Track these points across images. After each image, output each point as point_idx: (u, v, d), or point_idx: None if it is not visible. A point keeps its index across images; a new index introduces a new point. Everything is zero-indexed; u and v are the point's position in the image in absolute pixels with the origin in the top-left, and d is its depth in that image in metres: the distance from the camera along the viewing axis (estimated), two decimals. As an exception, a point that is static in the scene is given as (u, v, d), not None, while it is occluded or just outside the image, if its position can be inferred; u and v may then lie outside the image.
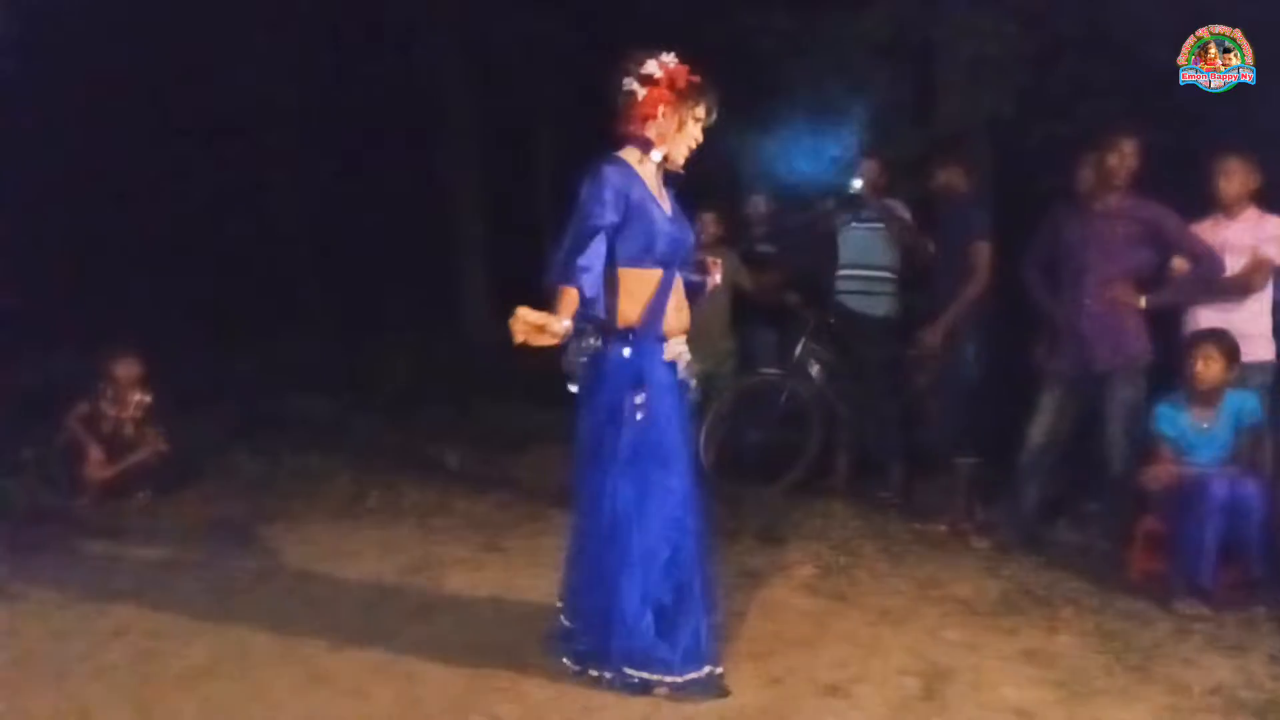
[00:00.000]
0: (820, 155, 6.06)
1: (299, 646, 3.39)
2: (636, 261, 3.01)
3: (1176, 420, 4.22)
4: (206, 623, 3.62)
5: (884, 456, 5.63)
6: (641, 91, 3.01)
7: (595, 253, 2.92)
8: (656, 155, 3.04)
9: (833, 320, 5.68)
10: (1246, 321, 4.35)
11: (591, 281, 2.92)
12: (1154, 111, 5.16)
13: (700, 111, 3.05)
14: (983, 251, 5.03)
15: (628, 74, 3.03)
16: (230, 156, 9.72)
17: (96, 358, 5.59)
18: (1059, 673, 3.30)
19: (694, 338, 5.52)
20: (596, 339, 3.03)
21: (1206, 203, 4.50)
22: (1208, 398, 4.16)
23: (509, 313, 2.83)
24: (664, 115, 3.01)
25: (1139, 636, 3.64)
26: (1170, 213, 4.43)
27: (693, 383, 3.23)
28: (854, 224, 5.56)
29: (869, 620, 3.74)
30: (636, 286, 3.03)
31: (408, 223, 10.10)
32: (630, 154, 3.05)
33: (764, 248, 6.10)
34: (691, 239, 3.17)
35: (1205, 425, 4.18)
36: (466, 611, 3.77)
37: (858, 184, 5.46)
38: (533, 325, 2.82)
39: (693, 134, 3.06)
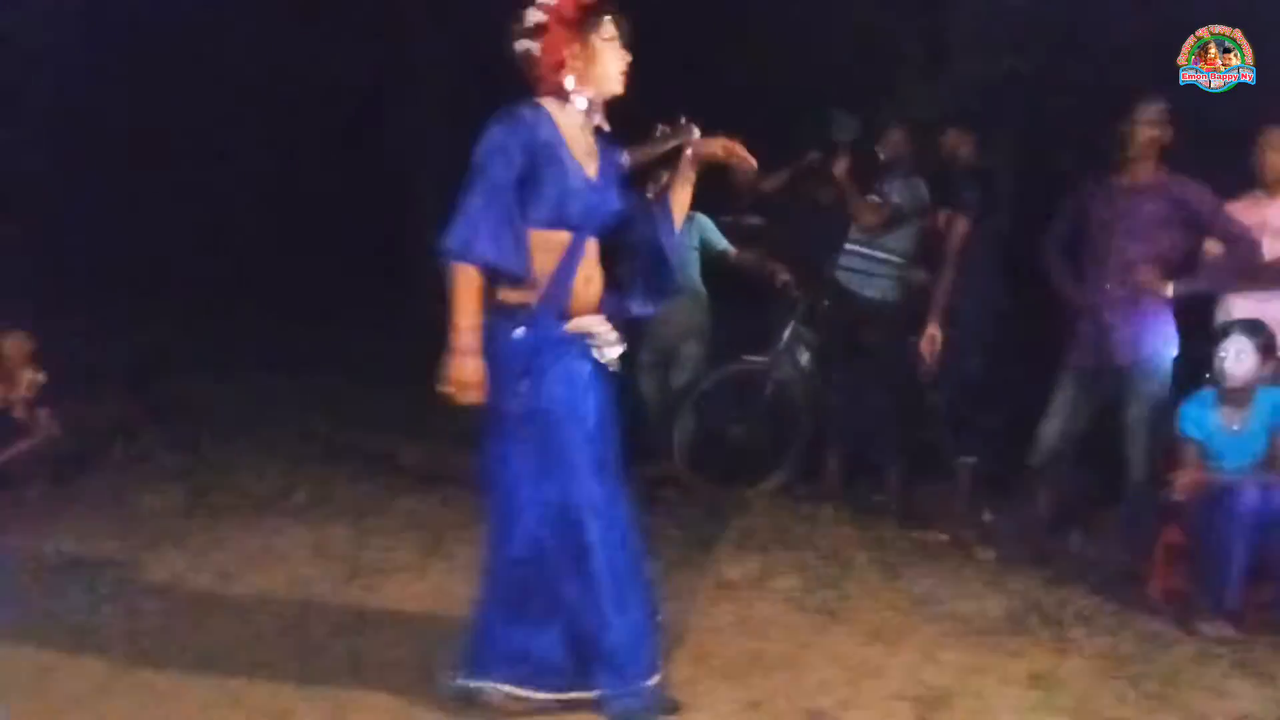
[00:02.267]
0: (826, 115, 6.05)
1: (215, 662, 3.36)
2: (542, 222, 2.92)
3: (1204, 421, 4.24)
4: (109, 634, 3.57)
5: (880, 456, 5.64)
6: (536, 45, 2.94)
7: (504, 215, 2.86)
8: (581, 102, 2.96)
9: (826, 301, 5.68)
10: (1284, 311, 4.39)
11: (507, 250, 2.86)
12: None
13: (606, 30, 2.95)
14: (958, 227, 5.09)
15: (516, 36, 2.96)
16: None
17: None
18: (1068, 699, 3.31)
19: (658, 311, 5.43)
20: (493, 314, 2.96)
21: (1246, 179, 4.53)
22: (1239, 396, 4.19)
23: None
24: (571, 56, 2.93)
25: (1158, 660, 3.66)
26: (1204, 190, 4.46)
27: (610, 365, 3.10)
28: (870, 198, 5.50)
29: (859, 639, 3.74)
30: (541, 251, 2.93)
31: (364, 209, 10.14)
32: (551, 103, 2.97)
33: (751, 219, 6.08)
34: (617, 205, 3.06)
35: (1236, 427, 4.21)
36: (404, 624, 3.74)
37: (882, 155, 5.48)
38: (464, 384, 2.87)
39: (610, 59, 2.96)
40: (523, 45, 2.95)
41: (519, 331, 2.91)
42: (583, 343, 3.00)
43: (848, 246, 5.58)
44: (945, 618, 3.99)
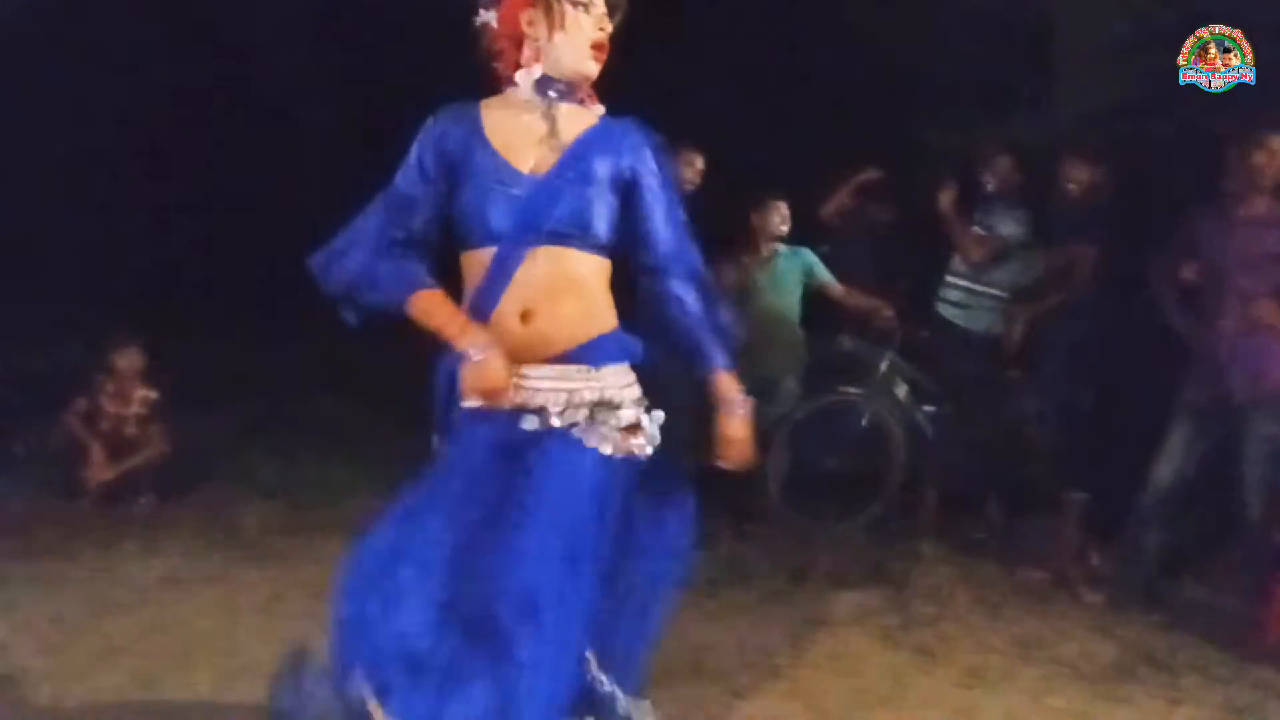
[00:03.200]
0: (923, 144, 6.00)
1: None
2: (465, 239, 2.35)
3: (1328, 464, 4.10)
4: (212, 645, 3.65)
5: (979, 491, 5.55)
6: (491, 14, 2.39)
7: (385, 243, 2.35)
8: (536, 72, 2.35)
9: (926, 334, 5.60)
10: None
11: (359, 263, 2.35)
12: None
13: None
14: (1086, 255, 4.98)
15: (476, 10, 2.41)
16: (259, 142, 9.79)
17: (98, 350, 5.69)
18: (1181, 751, 3.22)
19: (755, 344, 5.38)
20: None
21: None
22: (1366, 439, 4.03)
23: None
24: (530, 23, 2.34)
25: (1275, 714, 3.52)
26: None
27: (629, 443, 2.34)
28: (975, 230, 5.44)
29: (959, 681, 3.68)
30: (466, 275, 2.37)
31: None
32: (495, 98, 2.42)
33: (821, 248, 5.98)
34: (571, 208, 2.31)
35: (1362, 471, 4.05)
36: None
37: (989, 184, 5.40)
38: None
39: (583, 29, 2.34)
40: (481, 18, 2.41)
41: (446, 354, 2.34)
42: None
43: (949, 279, 5.53)
44: (1049, 661, 3.89)
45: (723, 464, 2.47)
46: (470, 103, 2.39)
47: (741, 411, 2.45)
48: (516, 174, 2.29)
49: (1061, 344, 5.08)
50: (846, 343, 5.89)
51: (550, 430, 2.26)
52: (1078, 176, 5.10)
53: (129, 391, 5.62)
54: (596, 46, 2.35)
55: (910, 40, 6.87)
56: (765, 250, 5.67)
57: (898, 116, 6.91)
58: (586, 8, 2.34)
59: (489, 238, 2.29)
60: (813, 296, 5.71)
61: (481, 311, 2.28)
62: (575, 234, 2.30)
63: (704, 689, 3.42)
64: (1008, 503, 5.48)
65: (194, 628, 3.81)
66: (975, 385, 5.48)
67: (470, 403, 2.24)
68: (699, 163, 5.19)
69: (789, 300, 5.67)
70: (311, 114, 10.64)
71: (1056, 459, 5.15)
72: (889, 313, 5.62)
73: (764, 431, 5.60)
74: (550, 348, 2.29)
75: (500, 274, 2.27)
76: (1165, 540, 4.59)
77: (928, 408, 5.68)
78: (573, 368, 2.29)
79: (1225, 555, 4.70)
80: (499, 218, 2.27)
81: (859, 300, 5.67)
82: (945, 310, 5.53)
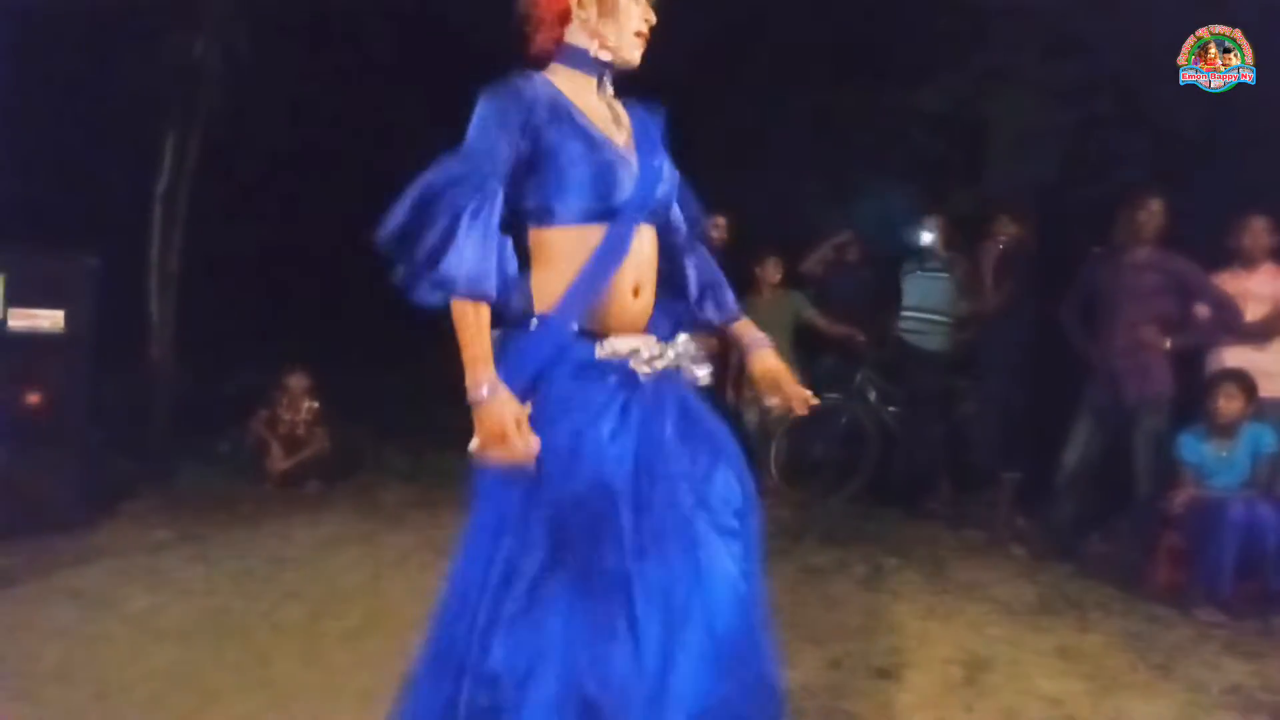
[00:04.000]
0: (883, 210, 6.00)
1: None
2: (558, 216, 1.68)
3: (1198, 449, 4.05)
4: (362, 590, 3.71)
5: (932, 472, 5.50)
6: None
7: (491, 228, 1.62)
8: (585, 59, 1.76)
9: (890, 353, 5.60)
10: (1269, 361, 4.17)
11: (493, 276, 1.62)
12: (1177, 176, 4.99)
13: None
14: (1013, 291, 4.99)
15: None
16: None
17: (276, 372, 5.83)
18: (1088, 668, 3.18)
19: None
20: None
21: (1229, 255, 4.34)
22: (1227, 429, 3.99)
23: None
24: (580, 4, 1.75)
25: (1161, 639, 3.49)
26: (1193, 265, 4.28)
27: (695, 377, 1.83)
28: (919, 272, 5.44)
29: (918, 615, 3.66)
30: (559, 253, 1.69)
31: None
32: (553, 72, 1.77)
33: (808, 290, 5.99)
34: (666, 187, 1.78)
35: (1224, 454, 4.00)
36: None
37: (927, 238, 5.36)
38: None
39: (633, 17, 1.76)
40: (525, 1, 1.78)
41: (532, 324, 1.68)
42: (624, 369, 1.69)
43: (904, 312, 5.49)
44: (987, 600, 3.87)
45: (774, 404, 1.93)
46: (524, 74, 1.72)
47: (770, 347, 1.95)
48: (620, 152, 1.71)
49: (998, 361, 5.07)
50: (829, 361, 5.92)
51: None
52: (1008, 231, 5.09)
53: (299, 404, 5.72)
54: (640, 35, 1.78)
55: (877, 133, 6.87)
56: (766, 292, 5.70)
57: (866, 191, 6.92)
58: None
59: (601, 214, 1.68)
60: (802, 326, 5.73)
61: (590, 289, 1.66)
62: (663, 212, 1.79)
63: (725, 621, 3.43)
64: (954, 480, 5.45)
65: (348, 578, 3.86)
66: (929, 392, 5.46)
67: (476, 449, 1.68)
68: (722, 221, 5.22)
69: (785, 330, 5.66)
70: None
71: (992, 447, 5.12)
72: (861, 338, 5.63)
73: (768, 428, 5.63)
74: (646, 318, 1.76)
75: (615, 251, 1.67)
76: (1075, 508, 4.56)
77: (893, 409, 5.65)
78: (652, 338, 1.76)
79: (1121, 518, 4.62)
80: (620, 195, 1.68)
81: (838, 329, 5.67)
82: (904, 334, 5.51)
